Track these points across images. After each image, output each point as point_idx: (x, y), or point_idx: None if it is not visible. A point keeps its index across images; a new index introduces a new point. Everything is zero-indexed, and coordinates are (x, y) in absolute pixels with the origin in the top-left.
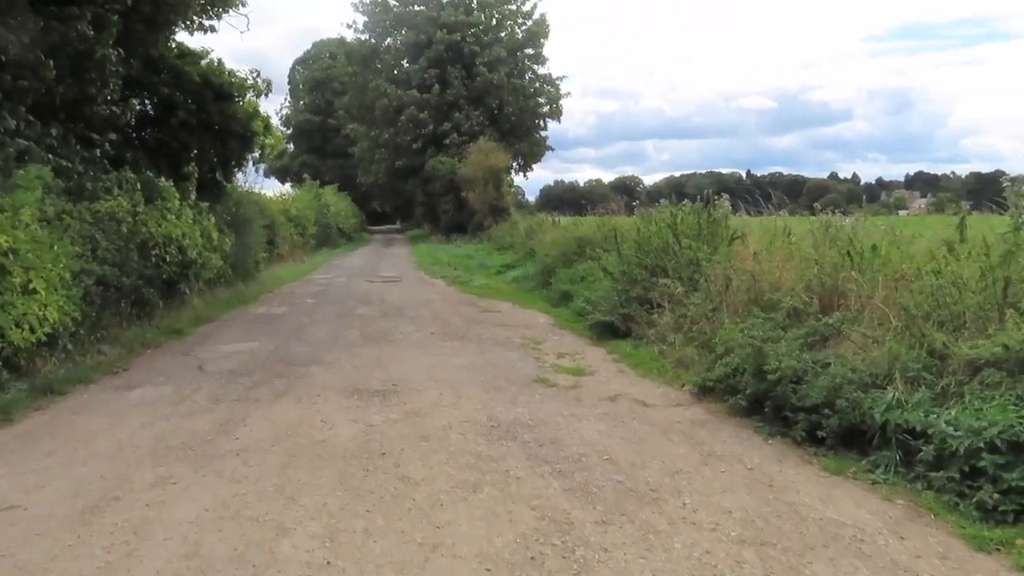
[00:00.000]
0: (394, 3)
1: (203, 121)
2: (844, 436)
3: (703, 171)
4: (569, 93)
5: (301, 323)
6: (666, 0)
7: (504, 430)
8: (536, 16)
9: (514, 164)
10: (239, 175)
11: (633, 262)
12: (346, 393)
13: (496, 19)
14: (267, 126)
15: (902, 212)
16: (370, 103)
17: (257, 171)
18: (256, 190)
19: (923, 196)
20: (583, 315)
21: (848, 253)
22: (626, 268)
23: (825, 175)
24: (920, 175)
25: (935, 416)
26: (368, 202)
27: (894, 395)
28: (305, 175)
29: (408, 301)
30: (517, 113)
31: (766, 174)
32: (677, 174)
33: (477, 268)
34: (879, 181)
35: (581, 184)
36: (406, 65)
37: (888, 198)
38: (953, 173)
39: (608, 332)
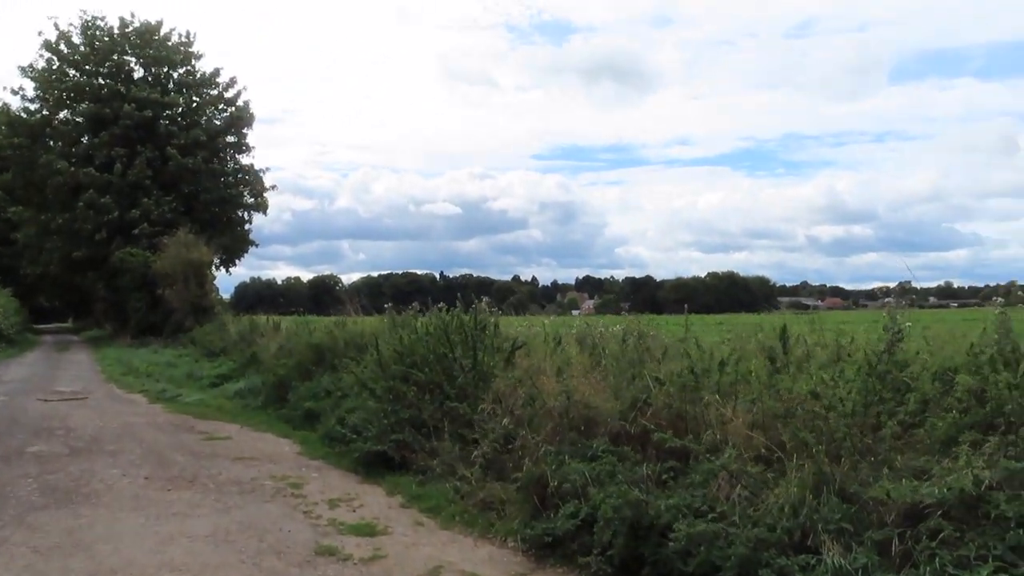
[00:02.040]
0: (73, 72)
1: None
2: None
3: (399, 271)
4: (275, 186)
5: None
6: (353, 104)
7: None
8: (240, 103)
9: (216, 259)
10: None
11: (398, 376)
12: None
13: (196, 102)
14: None
15: (575, 312)
16: (39, 182)
17: None
18: None
19: (591, 297)
20: (340, 441)
21: (692, 370)
22: (392, 383)
23: (508, 277)
24: (588, 279)
25: None
26: (33, 296)
27: (833, 561)
28: None
29: (105, 428)
30: (218, 203)
31: (458, 275)
32: (375, 274)
33: (185, 380)
34: (554, 283)
35: (279, 282)
36: (85, 141)
37: (563, 299)
38: (612, 277)
39: (380, 464)
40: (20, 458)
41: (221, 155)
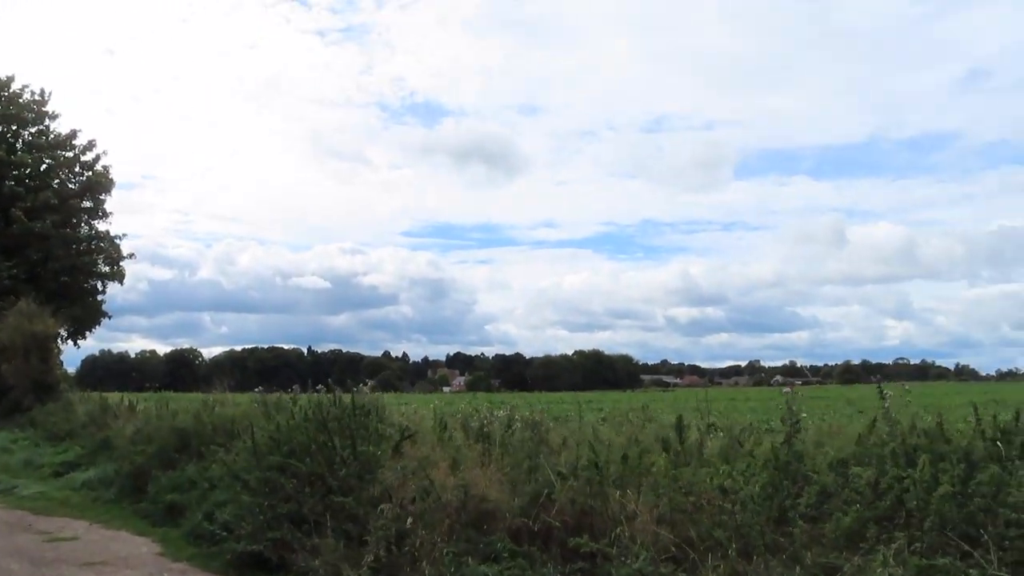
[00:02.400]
0: None
1: None
2: None
3: (264, 345)
4: (133, 255)
5: None
6: (219, 173)
7: None
8: (99, 167)
9: (63, 331)
10: None
11: (274, 466)
12: None
13: (48, 164)
14: None
15: (446, 388)
16: None
17: None
18: None
19: (462, 374)
20: (208, 539)
21: (596, 464)
22: (267, 474)
23: (378, 353)
24: (459, 355)
25: None
26: None
27: None
28: None
29: None
30: (68, 271)
31: (327, 351)
32: (239, 348)
33: (22, 468)
34: (425, 359)
35: (132, 355)
36: None
37: (434, 375)
38: (483, 354)
39: (254, 565)
40: None
41: (74, 220)
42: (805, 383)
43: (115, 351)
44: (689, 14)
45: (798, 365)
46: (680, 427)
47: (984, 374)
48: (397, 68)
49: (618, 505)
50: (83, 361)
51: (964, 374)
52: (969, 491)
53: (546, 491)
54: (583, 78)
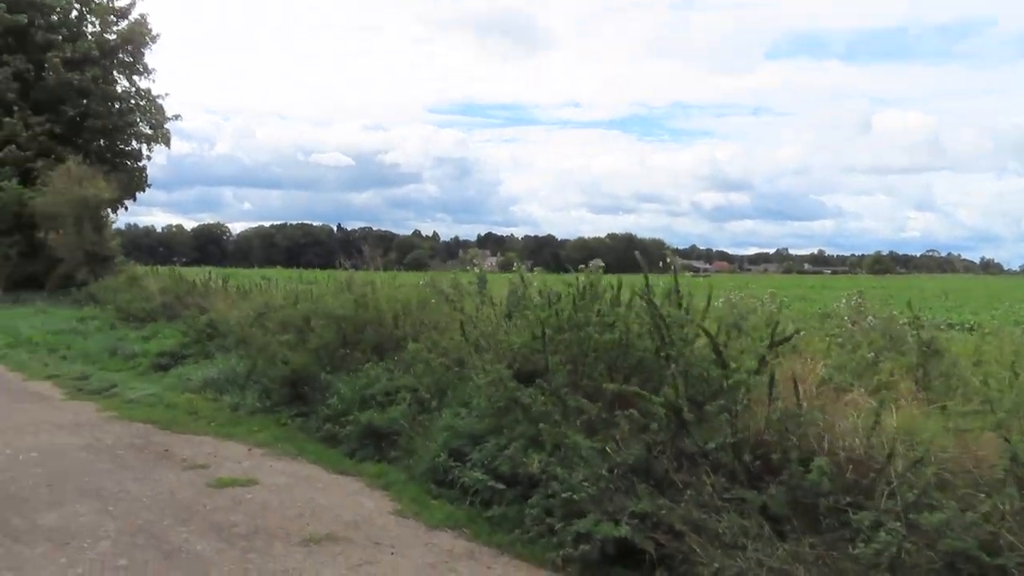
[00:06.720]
0: None
1: None
2: None
3: (293, 222)
4: (179, 116)
5: None
6: (235, 43)
7: None
8: (134, 16)
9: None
10: None
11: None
12: None
13: (79, 10)
14: None
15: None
16: None
17: None
18: None
19: (493, 255)
20: (487, 502)
21: None
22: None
23: (403, 231)
24: (490, 235)
25: None
26: None
27: None
28: None
29: (18, 464)
30: (108, 131)
31: (356, 228)
32: (266, 224)
33: (108, 358)
34: (455, 239)
35: (158, 229)
36: None
37: (465, 255)
38: (512, 235)
39: (607, 564)
40: None
41: (112, 76)
42: (834, 272)
43: (140, 225)
44: None
45: (826, 254)
46: None
47: (1007, 268)
48: None
49: None
50: None
51: (990, 268)
52: None
53: None
54: None
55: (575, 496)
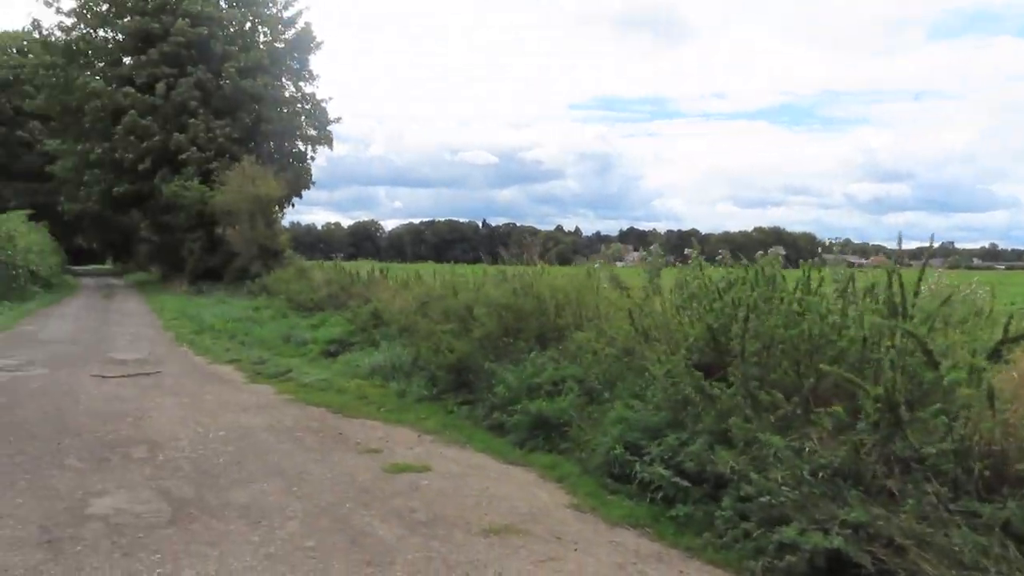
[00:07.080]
0: None
1: None
2: None
3: (441, 219)
4: (340, 118)
5: None
6: (382, 47)
7: None
8: (300, 24)
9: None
10: None
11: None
12: None
13: (251, 21)
14: None
15: (619, 263)
16: (76, 107)
17: None
18: None
19: (635, 249)
20: (620, 480)
21: None
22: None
23: (545, 227)
24: (632, 230)
25: None
26: (71, 236)
27: None
28: None
29: (209, 441)
30: (278, 134)
31: (501, 224)
32: (416, 221)
33: (283, 344)
34: (597, 234)
35: (319, 227)
36: (128, 61)
37: (608, 250)
38: (654, 229)
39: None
40: (75, 542)
41: (279, 82)
42: (1009, 268)
43: (303, 223)
44: None
45: (999, 248)
46: None
47: None
48: None
49: None
50: None
51: None
52: None
53: None
54: None
55: (774, 500)
